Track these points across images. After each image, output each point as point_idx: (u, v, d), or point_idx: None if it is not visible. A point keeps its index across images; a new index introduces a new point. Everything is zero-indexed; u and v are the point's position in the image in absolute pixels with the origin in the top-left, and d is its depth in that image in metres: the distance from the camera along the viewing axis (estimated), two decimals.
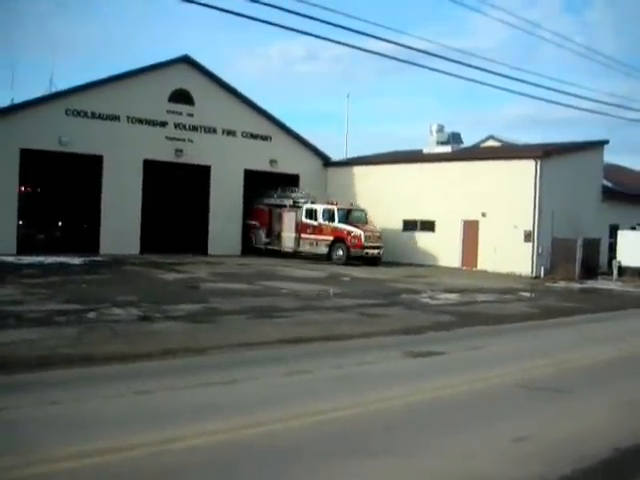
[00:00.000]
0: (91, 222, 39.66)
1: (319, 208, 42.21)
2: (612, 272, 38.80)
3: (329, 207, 41.84)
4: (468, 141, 52.01)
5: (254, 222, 45.75)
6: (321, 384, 10.81)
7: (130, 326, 15.47)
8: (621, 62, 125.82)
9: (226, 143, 43.92)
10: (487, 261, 39.67)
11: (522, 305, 24.45)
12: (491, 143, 57.10)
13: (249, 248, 45.02)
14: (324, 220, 41.57)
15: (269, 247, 44.86)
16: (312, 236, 42.25)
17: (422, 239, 43.47)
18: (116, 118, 39.56)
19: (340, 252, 40.70)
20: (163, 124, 41.25)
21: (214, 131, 43.52)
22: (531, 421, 9.22)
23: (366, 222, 42.06)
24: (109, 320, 15.98)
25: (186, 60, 42.43)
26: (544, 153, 39.38)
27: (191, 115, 42.31)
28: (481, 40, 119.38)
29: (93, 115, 38.80)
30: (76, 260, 32.99)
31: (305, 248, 42.74)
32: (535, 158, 38.75)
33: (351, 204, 42.98)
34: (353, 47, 23.61)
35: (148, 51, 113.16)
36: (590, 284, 35.19)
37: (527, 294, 28.44)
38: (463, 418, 9.22)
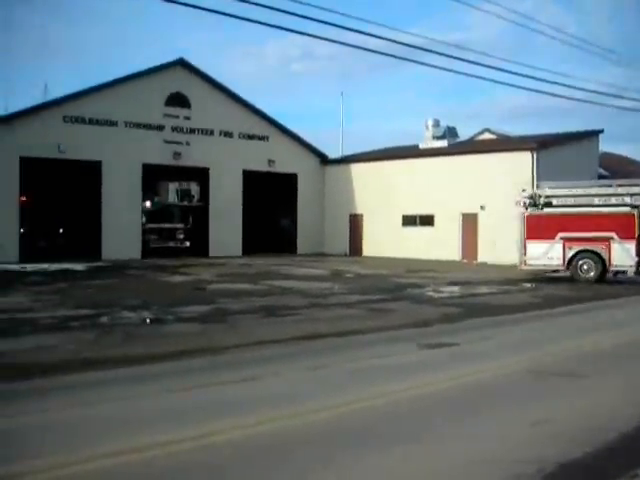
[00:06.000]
0: (92, 228, 39.77)
1: None
2: None
3: None
4: (464, 135, 52.38)
5: (576, 234, 29.74)
6: (341, 377, 11.02)
7: (143, 329, 15.71)
8: (614, 51, 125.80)
9: (224, 145, 44.18)
10: (487, 254, 39.92)
11: (525, 295, 24.63)
12: (487, 136, 57.38)
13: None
14: None
15: None
16: None
17: (422, 233, 43.68)
18: (113, 123, 39.84)
19: None
20: (160, 128, 41.48)
21: (211, 133, 43.75)
22: (548, 405, 9.41)
23: None
24: (122, 324, 16.18)
25: (182, 63, 42.72)
26: (539, 144, 39.67)
27: (188, 118, 42.58)
28: (474, 33, 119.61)
29: (90, 121, 39.08)
30: (79, 266, 33.18)
31: None
32: (531, 150, 39.04)
33: None
34: (348, 45, 24.03)
35: (142, 55, 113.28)
36: None
37: (529, 285, 28.60)
38: (482, 405, 9.41)
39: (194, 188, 43.93)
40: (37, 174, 39.20)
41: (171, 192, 43.78)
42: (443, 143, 46.61)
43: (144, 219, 41.47)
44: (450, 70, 27.18)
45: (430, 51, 25.46)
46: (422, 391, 10.03)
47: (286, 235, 49.11)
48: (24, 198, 39.80)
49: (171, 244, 42.68)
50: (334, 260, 41.67)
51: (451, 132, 48.02)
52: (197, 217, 43.92)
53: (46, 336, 14.38)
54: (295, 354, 12.91)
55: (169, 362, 11.89)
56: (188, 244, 43.33)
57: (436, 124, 48.02)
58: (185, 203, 44.03)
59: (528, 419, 8.62)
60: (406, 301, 21.90)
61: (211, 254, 42.94)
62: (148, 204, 43.06)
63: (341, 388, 10.12)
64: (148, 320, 16.77)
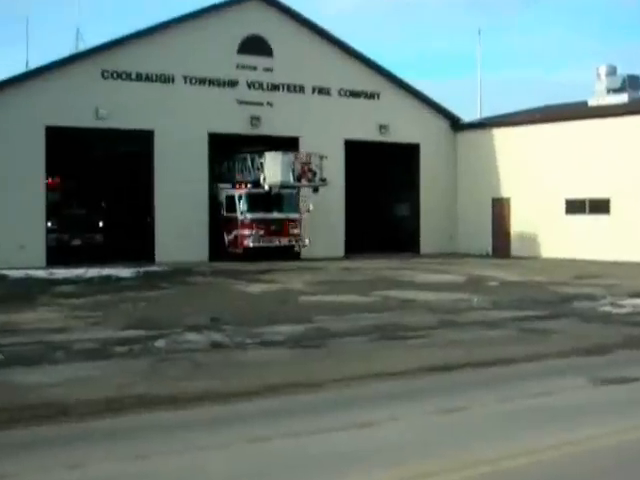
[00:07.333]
0: (142, 220, 40.23)
1: None
2: None
3: None
4: None
5: None
6: (485, 424, 10.97)
7: (215, 356, 15.97)
8: None
9: (318, 105, 44.26)
10: None
11: None
12: None
13: None
14: None
15: None
16: None
17: (593, 224, 42.95)
18: (169, 79, 40.19)
19: None
20: (232, 84, 41.71)
21: (301, 90, 43.81)
22: None
23: None
24: (185, 349, 16.50)
25: None
26: None
27: (269, 70, 42.66)
28: None
29: (139, 77, 39.50)
30: (126, 272, 33.72)
31: None
32: None
33: None
34: None
35: None
36: None
37: None
38: None
39: (315, 161, 41.16)
40: (69, 149, 39.89)
41: (283, 167, 40.90)
42: (622, 98, 45.78)
43: (245, 207, 40.16)
44: None
45: None
46: (604, 443, 9.87)
47: (404, 228, 48.87)
48: (51, 181, 40.51)
49: (282, 241, 40.72)
50: (471, 262, 41.47)
51: (633, 83, 47.12)
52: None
53: (84, 365, 14.75)
54: (421, 391, 12.92)
55: (252, 401, 12.02)
56: (307, 242, 41.34)
57: (612, 72, 47.24)
58: (304, 182, 41.24)
59: None
60: (572, 318, 21.71)
61: (303, 255, 42.89)
62: (249, 186, 40.96)
63: (488, 438, 10.06)
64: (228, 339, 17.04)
